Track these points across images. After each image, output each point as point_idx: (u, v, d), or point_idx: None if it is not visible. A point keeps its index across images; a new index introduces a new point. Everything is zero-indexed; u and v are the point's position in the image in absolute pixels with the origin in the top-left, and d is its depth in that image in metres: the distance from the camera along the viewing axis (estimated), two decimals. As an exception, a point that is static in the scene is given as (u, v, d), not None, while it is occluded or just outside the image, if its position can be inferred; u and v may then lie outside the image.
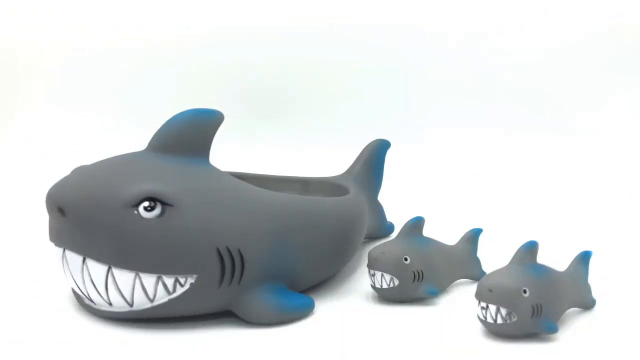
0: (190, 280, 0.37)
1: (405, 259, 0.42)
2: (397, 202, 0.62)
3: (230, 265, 0.37)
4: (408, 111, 0.89)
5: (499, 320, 0.36)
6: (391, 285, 0.42)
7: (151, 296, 0.37)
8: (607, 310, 0.43)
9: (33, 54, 0.95)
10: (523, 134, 0.86)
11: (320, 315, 0.41)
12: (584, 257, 0.44)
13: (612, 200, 0.74)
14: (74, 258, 0.37)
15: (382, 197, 0.60)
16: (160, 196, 0.36)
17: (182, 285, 0.37)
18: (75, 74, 0.94)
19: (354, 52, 0.92)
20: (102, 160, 0.40)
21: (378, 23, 0.94)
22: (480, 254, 0.49)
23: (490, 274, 0.38)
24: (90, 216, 0.36)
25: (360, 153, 0.59)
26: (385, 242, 0.44)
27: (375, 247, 0.43)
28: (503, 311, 0.36)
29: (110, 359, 0.35)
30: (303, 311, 0.41)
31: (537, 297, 0.36)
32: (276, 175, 0.56)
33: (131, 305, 0.37)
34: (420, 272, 0.42)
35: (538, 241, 0.39)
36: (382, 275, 0.42)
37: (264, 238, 0.39)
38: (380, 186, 0.60)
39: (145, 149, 0.40)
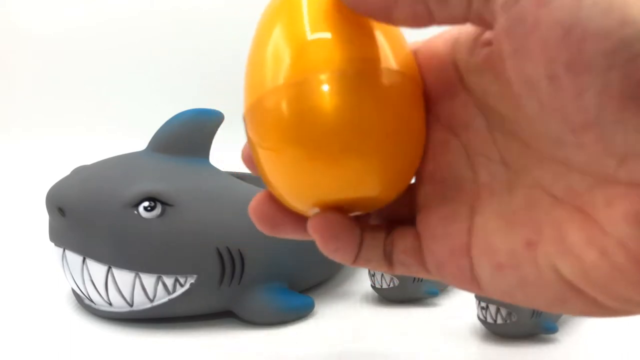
0: (190, 280, 0.37)
1: (405, 259, 0.42)
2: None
3: (230, 265, 0.37)
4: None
5: (499, 320, 0.36)
6: (391, 285, 0.42)
7: (151, 296, 0.37)
8: (607, 310, 0.43)
9: (33, 53, 0.95)
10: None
11: (320, 315, 0.41)
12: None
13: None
14: (74, 258, 0.37)
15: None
16: (160, 196, 0.36)
17: (182, 285, 0.37)
18: (75, 74, 0.94)
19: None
20: (102, 160, 0.40)
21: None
22: (480, 254, 0.49)
23: (490, 274, 0.38)
24: (90, 216, 0.36)
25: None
26: (385, 242, 0.44)
27: (375, 247, 0.43)
28: (503, 311, 0.36)
29: (110, 359, 0.35)
30: (303, 311, 0.41)
31: (537, 297, 0.36)
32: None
33: (131, 305, 0.37)
34: (420, 272, 0.42)
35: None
36: (382, 275, 0.42)
37: (264, 238, 0.39)
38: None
39: (145, 149, 0.40)
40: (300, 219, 0.20)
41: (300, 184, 0.18)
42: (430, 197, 0.20)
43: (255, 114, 0.19)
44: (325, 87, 0.17)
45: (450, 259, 0.19)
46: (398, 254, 0.20)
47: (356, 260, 0.21)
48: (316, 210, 0.19)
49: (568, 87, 0.15)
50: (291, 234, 0.21)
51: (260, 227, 0.21)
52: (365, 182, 0.18)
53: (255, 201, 0.21)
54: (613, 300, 0.16)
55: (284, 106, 0.18)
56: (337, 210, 0.19)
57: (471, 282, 0.19)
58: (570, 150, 0.16)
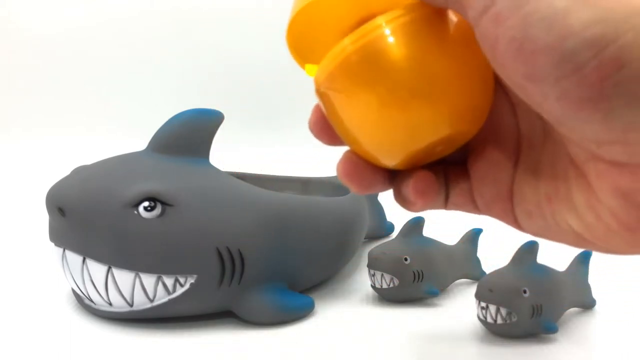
0: (190, 280, 0.37)
1: (405, 259, 0.42)
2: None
3: (230, 265, 0.37)
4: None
5: (499, 320, 0.36)
6: (391, 285, 0.42)
7: (151, 296, 0.37)
8: (607, 310, 0.43)
9: (33, 53, 0.95)
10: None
11: (320, 315, 0.41)
12: (584, 257, 0.44)
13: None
14: (74, 258, 0.37)
15: (382, 197, 0.60)
16: (160, 196, 0.36)
17: (182, 285, 0.37)
18: (75, 73, 0.94)
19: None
20: (102, 160, 0.40)
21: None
22: (480, 254, 0.49)
23: (490, 274, 0.38)
24: (90, 216, 0.36)
25: (361, 153, 0.59)
26: (385, 242, 0.44)
27: (375, 247, 0.43)
28: (503, 311, 0.36)
29: (110, 359, 0.35)
30: (303, 311, 0.41)
31: (537, 297, 0.36)
32: (276, 175, 0.56)
33: (131, 305, 0.37)
34: (420, 272, 0.42)
35: (538, 241, 0.39)
36: (382, 275, 0.42)
37: (264, 238, 0.39)
38: (380, 186, 0.60)
39: (145, 149, 0.40)
40: (387, 174, 0.22)
41: (380, 135, 0.20)
42: (480, 141, 0.22)
43: (331, 78, 0.20)
44: (389, 37, 0.19)
45: (497, 201, 0.22)
46: (453, 196, 0.23)
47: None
48: (401, 161, 0.21)
49: (533, 94, 0.17)
50: (380, 189, 0.23)
51: (352, 187, 0.22)
52: (441, 125, 0.19)
53: (342, 163, 0.22)
54: (616, 250, 0.19)
55: (355, 63, 0.19)
56: (421, 155, 0.21)
57: (514, 222, 0.22)
58: (564, 129, 0.17)
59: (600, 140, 0.16)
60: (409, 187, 0.21)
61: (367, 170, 0.22)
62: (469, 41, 0.19)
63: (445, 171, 0.23)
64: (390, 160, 0.21)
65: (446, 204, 0.23)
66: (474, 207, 0.23)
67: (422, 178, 0.21)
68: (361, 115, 0.19)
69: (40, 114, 0.94)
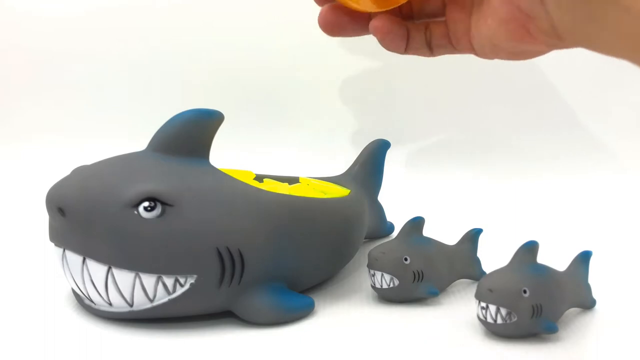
0: (190, 280, 0.37)
1: (405, 259, 0.42)
2: (397, 202, 0.62)
3: (230, 265, 0.37)
4: (408, 111, 0.89)
5: (499, 320, 0.36)
6: (391, 285, 0.42)
7: (151, 296, 0.37)
8: (607, 310, 0.43)
9: (33, 53, 0.94)
10: (523, 133, 0.86)
11: (320, 315, 0.41)
12: (584, 257, 0.44)
13: (612, 200, 0.74)
14: (74, 258, 0.37)
15: (382, 197, 0.60)
16: (160, 196, 0.36)
17: (182, 286, 0.37)
18: (75, 73, 0.94)
19: (355, 52, 0.92)
20: (102, 161, 0.40)
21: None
22: (480, 254, 0.49)
23: (490, 274, 0.38)
24: (90, 216, 0.36)
25: (360, 153, 0.59)
26: (385, 242, 0.44)
27: (375, 247, 0.43)
28: (503, 311, 0.36)
29: (110, 359, 0.35)
30: (303, 311, 0.41)
31: (537, 297, 0.36)
32: (276, 175, 0.56)
33: (131, 305, 0.37)
34: (420, 272, 0.42)
35: (538, 241, 0.39)
36: (382, 275, 0.42)
37: (264, 238, 0.39)
38: (380, 186, 0.60)
39: (146, 149, 0.40)
40: (357, 21, 0.33)
41: None
42: (452, 3, 0.33)
43: None
44: None
45: (463, 37, 0.33)
46: (435, 39, 0.33)
47: (407, 49, 0.33)
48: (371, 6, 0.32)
49: None
50: (351, 34, 0.34)
51: (328, 32, 0.33)
52: None
53: (321, 14, 0.33)
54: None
55: None
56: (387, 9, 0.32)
57: (472, 50, 0.33)
58: None
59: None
60: (371, 24, 0.32)
61: (340, 17, 0.33)
62: None
63: (428, 26, 0.33)
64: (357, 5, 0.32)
65: (432, 51, 0.33)
66: (450, 44, 0.33)
67: (380, 17, 0.32)
68: None
69: (39, 113, 0.94)
